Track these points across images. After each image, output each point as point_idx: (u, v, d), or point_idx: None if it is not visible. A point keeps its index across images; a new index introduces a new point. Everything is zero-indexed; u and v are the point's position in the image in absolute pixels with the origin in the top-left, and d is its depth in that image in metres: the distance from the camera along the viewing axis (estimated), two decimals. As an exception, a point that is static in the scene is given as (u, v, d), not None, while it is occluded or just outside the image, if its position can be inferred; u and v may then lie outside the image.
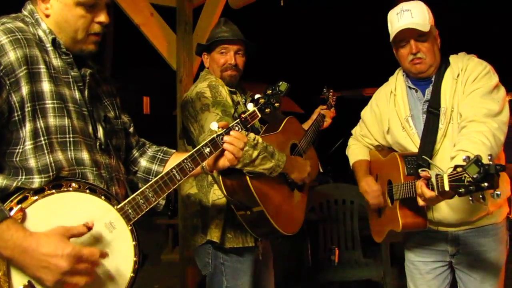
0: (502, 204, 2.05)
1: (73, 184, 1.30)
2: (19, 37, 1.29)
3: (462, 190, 1.40)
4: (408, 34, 1.97)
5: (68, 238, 1.21)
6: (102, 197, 1.34)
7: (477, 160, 1.37)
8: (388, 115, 2.15)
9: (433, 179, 1.53)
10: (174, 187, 1.48)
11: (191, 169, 1.51)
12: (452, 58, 2.05)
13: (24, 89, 1.27)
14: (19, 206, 1.21)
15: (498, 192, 1.38)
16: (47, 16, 1.38)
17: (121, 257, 1.34)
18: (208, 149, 1.55)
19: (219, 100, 2.12)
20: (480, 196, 1.40)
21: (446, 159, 1.84)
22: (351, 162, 2.38)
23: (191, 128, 2.18)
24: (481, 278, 2.03)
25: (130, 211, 1.37)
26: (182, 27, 3.51)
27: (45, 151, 1.29)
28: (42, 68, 1.32)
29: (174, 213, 5.45)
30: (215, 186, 2.12)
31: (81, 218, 1.28)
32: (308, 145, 2.49)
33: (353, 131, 2.46)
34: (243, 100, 2.31)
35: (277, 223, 2.06)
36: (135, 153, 1.73)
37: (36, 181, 1.26)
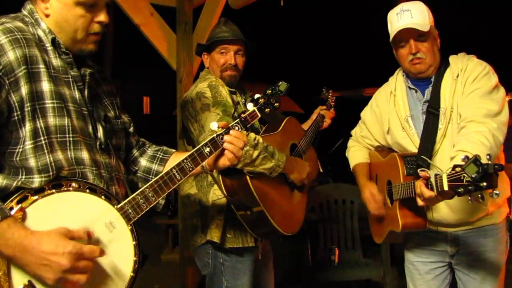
0: (502, 205, 2.05)
1: (73, 184, 1.30)
2: (18, 37, 1.29)
3: (461, 189, 1.40)
4: (408, 34, 1.97)
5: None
6: (102, 196, 1.34)
7: (476, 160, 1.37)
8: (388, 115, 2.15)
9: (432, 179, 1.53)
10: (174, 186, 1.48)
11: (191, 169, 1.51)
12: (452, 59, 2.05)
13: (24, 89, 1.27)
14: (19, 205, 1.21)
15: (497, 192, 1.38)
16: (47, 15, 1.38)
17: (121, 256, 1.34)
18: (208, 149, 1.55)
19: (219, 100, 2.12)
20: (479, 195, 1.40)
21: (446, 159, 1.84)
22: (352, 165, 2.37)
23: (191, 128, 2.18)
24: (480, 279, 2.03)
25: (130, 210, 1.37)
26: (182, 27, 3.51)
27: (45, 151, 1.29)
28: (42, 67, 1.32)
29: (174, 213, 5.45)
30: (215, 186, 2.12)
31: (81, 217, 1.29)
32: (308, 145, 2.49)
33: (352, 132, 2.45)
34: (243, 100, 2.31)
35: (277, 223, 2.06)
36: (135, 152, 1.73)
37: (36, 180, 1.26)
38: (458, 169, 1.42)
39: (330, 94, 2.79)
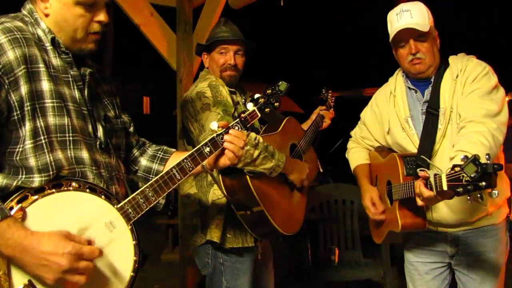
0: (502, 205, 2.05)
1: (73, 184, 1.30)
2: (18, 36, 1.29)
3: (460, 189, 1.41)
4: (408, 34, 1.97)
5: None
6: (102, 196, 1.34)
7: (475, 160, 1.37)
8: (388, 115, 2.15)
9: (432, 179, 1.53)
10: (174, 186, 1.48)
11: (191, 169, 1.51)
12: (451, 59, 2.05)
13: (23, 88, 1.27)
14: (19, 205, 1.21)
15: (496, 191, 1.38)
16: (46, 15, 1.38)
17: (121, 256, 1.34)
18: (208, 149, 1.55)
19: (220, 100, 2.12)
20: (478, 195, 1.40)
21: (445, 159, 1.84)
22: (352, 166, 2.37)
23: (191, 127, 2.18)
24: (480, 279, 2.03)
25: (130, 210, 1.37)
26: (182, 27, 3.51)
27: (45, 150, 1.29)
28: (42, 67, 1.32)
29: (174, 213, 5.46)
30: (215, 186, 2.12)
31: (81, 217, 1.29)
32: (308, 145, 2.49)
33: (352, 133, 2.45)
34: (243, 100, 2.31)
35: (277, 223, 2.06)
36: (135, 152, 1.74)
37: (36, 180, 1.26)
38: (457, 168, 1.42)
39: (330, 94, 2.79)
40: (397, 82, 2.16)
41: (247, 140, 1.68)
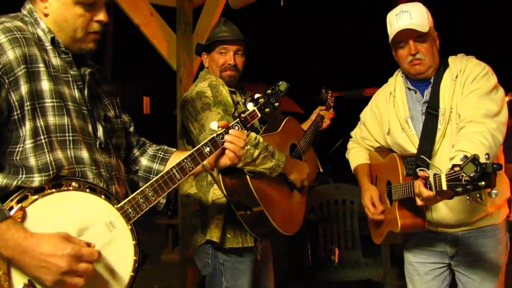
0: (502, 205, 2.05)
1: (73, 183, 1.30)
2: (17, 36, 1.29)
3: (459, 189, 1.41)
4: (407, 35, 1.97)
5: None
6: (102, 196, 1.34)
7: (474, 159, 1.37)
8: (388, 116, 2.15)
9: (431, 179, 1.53)
10: (174, 186, 1.48)
11: (191, 169, 1.52)
12: (451, 59, 2.05)
13: (23, 88, 1.27)
14: (19, 205, 1.21)
15: (495, 191, 1.38)
16: (46, 15, 1.38)
17: (121, 256, 1.34)
18: (208, 149, 1.55)
19: (220, 100, 2.12)
20: (478, 195, 1.40)
21: (445, 159, 1.84)
22: (353, 166, 2.37)
23: (191, 127, 2.18)
24: (480, 279, 2.03)
25: (130, 210, 1.37)
26: (182, 27, 3.51)
27: (45, 150, 1.29)
28: (41, 67, 1.32)
29: (174, 213, 5.46)
30: (215, 185, 2.12)
31: (81, 217, 1.29)
32: (308, 145, 2.49)
33: (352, 134, 2.45)
34: (243, 100, 2.31)
35: (277, 223, 2.06)
36: (136, 152, 1.74)
37: (36, 180, 1.26)
38: (456, 168, 1.42)
39: (329, 94, 2.79)
40: (396, 82, 2.16)
41: (247, 140, 1.68)
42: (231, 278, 2.17)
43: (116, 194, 1.44)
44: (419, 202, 1.66)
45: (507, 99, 1.97)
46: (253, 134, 1.95)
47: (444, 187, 1.46)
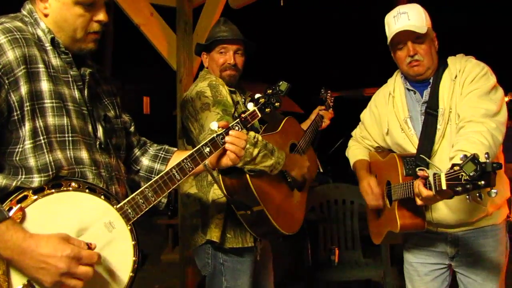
0: (501, 205, 2.05)
1: (73, 184, 1.30)
2: (17, 36, 1.29)
3: (459, 188, 1.41)
4: (405, 37, 1.97)
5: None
6: (102, 196, 1.34)
7: (474, 158, 1.37)
8: (387, 116, 2.16)
9: (431, 178, 1.53)
10: (174, 186, 1.48)
11: (191, 169, 1.51)
12: (450, 60, 2.05)
13: (23, 89, 1.27)
14: (19, 205, 1.21)
15: (495, 190, 1.38)
16: (46, 15, 1.38)
17: (120, 256, 1.34)
18: (208, 149, 1.55)
19: (219, 100, 2.12)
20: (477, 194, 1.40)
21: (445, 159, 1.84)
22: (352, 162, 2.37)
23: (190, 127, 2.18)
24: (481, 280, 2.03)
25: (129, 210, 1.37)
26: (182, 27, 3.51)
27: (45, 150, 1.29)
28: (41, 67, 1.32)
29: (174, 213, 5.46)
30: (215, 185, 2.12)
31: (81, 217, 1.29)
32: (307, 145, 2.49)
33: (353, 133, 2.46)
34: (243, 100, 2.31)
35: (278, 223, 2.07)
36: (137, 152, 1.74)
37: (36, 180, 1.26)
38: (456, 168, 1.42)
39: (329, 94, 2.79)
40: (396, 83, 2.17)
41: (247, 140, 1.68)
42: (231, 278, 2.17)
43: (116, 194, 1.44)
44: (418, 202, 1.66)
45: (506, 99, 1.97)
46: (252, 133, 1.95)
47: (444, 187, 1.46)
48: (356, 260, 3.69)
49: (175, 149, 1.76)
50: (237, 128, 1.63)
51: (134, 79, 12.74)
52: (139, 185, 1.67)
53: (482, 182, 1.36)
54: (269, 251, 2.45)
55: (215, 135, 1.58)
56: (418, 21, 1.96)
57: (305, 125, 2.63)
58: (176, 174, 1.48)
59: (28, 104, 1.28)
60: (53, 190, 1.26)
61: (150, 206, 1.42)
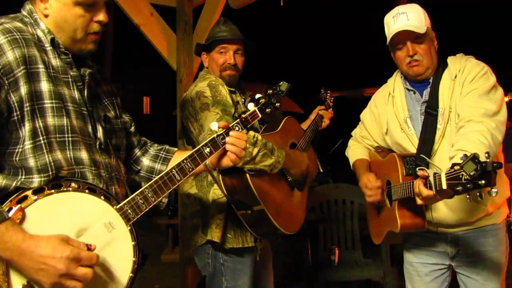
0: (502, 205, 2.05)
1: (73, 184, 1.30)
2: (17, 37, 1.29)
3: (459, 188, 1.40)
4: (405, 37, 1.97)
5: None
6: (102, 197, 1.34)
7: (474, 158, 1.37)
8: (387, 116, 2.16)
9: (431, 178, 1.53)
10: (174, 187, 1.48)
11: (191, 169, 1.51)
12: (450, 60, 2.05)
13: (23, 89, 1.27)
14: (19, 205, 1.21)
15: (495, 190, 1.38)
16: (46, 16, 1.38)
17: (120, 257, 1.34)
18: (208, 149, 1.55)
19: (219, 100, 2.12)
20: (478, 194, 1.40)
21: (445, 159, 1.84)
22: (351, 161, 2.37)
23: (190, 127, 2.18)
24: (483, 280, 2.02)
25: (129, 211, 1.37)
26: (182, 27, 3.51)
27: (44, 151, 1.29)
28: (41, 67, 1.32)
29: (174, 213, 5.46)
30: (215, 185, 2.12)
31: (80, 218, 1.29)
32: (307, 145, 2.49)
33: (353, 133, 2.46)
34: (242, 100, 2.31)
35: (278, 222, 2.06)
36: (137, 152, 1.74)
37: (36, 180, 1.26)
38: (456, 167, 1.42)
39: (328, 94, 2.79)
40: (395, 83, 2.17)
41: (248, 141, 1.68)
42: (231, 278, 2.16)
43: (116, 194, 1.44)
44: (419, 201, 1.66)
45: (506, 99, 1.97)
46: (251, 133, 1.95)
47: (444, 186, 1.46)
48: (356, 260, 3.69)
49: (176, 149, 1.76)
50: (237, 128, 1.63)
51: (134, 79, 12.74)
52: (139, 185, 1.67)
53: (483, 182, 1.36)
54: (269, 251, 2.45)
55: (215, 135, 1.58)
56: (417, 21, 1.96)
57: (305, 125, 2.63)
58: (176, 174, 1.48)
59: (28, 104, 1.28)
60: (53, 191, 1.26)
61: (150, 207, 1.42)
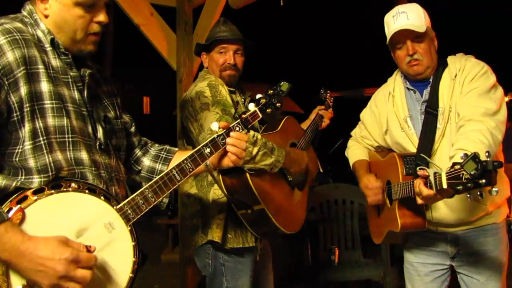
0: (502, 204, 2.05)
1: (73, 184, 1.30)
2: (17, 37, 1.29)
3: (460, 187, 1.40)
4: (404, 36, 1.97)
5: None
6: (102, 197, 1.34)
7: (475, 157, 1.37)
8: (387, 115, 2.16)
9: (431, 177, 1.53)
10: (174, 187, 1.48)
11: (191, 170, 1.51)
12: (450, 59, 2.05)
13: (23, 90, 1.27)
14: (19, 206, 1.21)
15: (496, 189, 1.38)
16: (46, 16, 1.38)
17: (120, 257, 1.34)
18: (208, 150, 1.55)
19: (219, 100, 2.12)
20: (478, 193, 1.40)
21: (445, 158, 1.84)
22: (351, 162, 2.37)
23: (190, 127, 2.18)
24: (484, 279, 2.02)
25: (129, 211, 1.37)
26: (182, 27, 3.51)
27: (44, 151, 1.29)
28: (41, 68, 1.32)
29: (174, 213, 5.46)
30: (215, 185, 2.12)
31: (80, 218, 1.29)
32: (307, 144, 2.49)
33: (352, 133, 2.46)
34: (242, 100, 2.31)
35: (278, 222, 2.06)
36: (138, 152, 1.74)
37: (36, 181, 1.26)
38: (457, 166, 1.42)
39: (328, 94, 2.79)
40: (395, 82, 2.17)
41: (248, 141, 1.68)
42: (232, 278, 2.16)
43: (116, 195, 1.44)
44: (419, 201, 1.66)
45: (506, 99, 1.97)
46: (251, 132, 1.95)
47: (445, 186, 1.46)
48: (356, 260, 3.69)
49: (177, 149, 1.76)
50: (238, 128, 1.62)
51: (134, 79, 12.74)
52: (140, 185, 1.66)
53: (483, 181, 1.36)
54: (269, 251, 2.45)
55: (215, 135, 1.57)
56: (417, 20, 1.96)
57: (304, 125, 2.63)
58: (176, 174, 1.48)
59: (27, 105, 1.28)
60: (53, 191, 1.26)
61: (150, 207, 1.42)
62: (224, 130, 1.59)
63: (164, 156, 1.72)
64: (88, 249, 1.24)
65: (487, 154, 1.40)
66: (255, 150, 1.93)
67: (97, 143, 1.44)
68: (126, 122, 1.68)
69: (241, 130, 1.63)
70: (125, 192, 1.50)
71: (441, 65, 2.04)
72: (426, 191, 1.57)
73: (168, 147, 1.76)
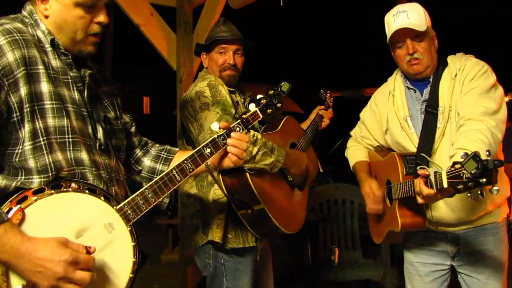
0: (502, 204, 2.05)
1: (73, 185, 1.30)
2: (17, 38, 1.29)
3: (460, 186, 1.40)
4: (405, 35, 1.98)
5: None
6: (102, 197, 1.34)
7: (475, 156, 1.37)
8: (387, 115, 2.16)
9: (432, 177, 1.53)
10: (174, 187, 1.48)
11: (191, 170, 1.51)
12: (450, 59, 2.05)
13: (23, 90, 1.27)
14: (19, 206, 1.21)
15: (496, 188, 1.37)
16: (46, 16, 1.38)
17: (120, 257, 1.34)
18: (208, 150, 1.55)
19: (218, 99, 2.12)
20: (479, 192, 1.40)
21: (445, 158, 1.85)
22: (352, 163, 2.37)
23: (190, 127, 2.18)
24: (485, 279, 2.02)
25: (129, 211, 1.37)
26: (182, 27, 3.51)
27: (44, 152, 1.29)
28: (41, 68, 1.32)
29: (174, 213, 5.46)
30: (215, 185, 2.12)
31: (80, 218, 1.29)
32: (307, 144, 2.49)
33: (352, 133, 2.46)
34: (242, 100, 2.31)
35: (279, 221, 2.06)
36: (138, 152, 1.73)
37: (36, 181, 1.26)
38: (457, 165, 1.42)
39: (328, 94, 2.79)
40: (396, 82, 2.17)
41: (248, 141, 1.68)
42: (232, 278, 2.16)
43: (116, 195, 1.44)
44: (419, 200, 1.66)
45: (506, 99, 1.97)
46: (251, 132, 1.95)
47: (445, 185, 1.46)
48: (356, 260, 3.69)
49: (177, 149, 1.76)
50: (238, 129, 1.62)
51: (134, 79, 12.75)
52: (141, 185, 1.66)
53: (484, 180, 1.36)
54: (269, 251, 2.45)
55: (216, 136, 1.57)
56: (417, 20, 1.96)
57: (304, 125, 2.62)
58: (176, 175, 1.48)
59: (27, 105, 1.28)
60: (53, 191, 1.26)
61: (150, 207, 1.41)
62: (225, 131, 1.58)
63: (164, 156, 1.72)
64: (88, 250, 1.24)
65: (487, 153, 1.40)
66: (255, 149, 1.93)
67: (97, 144, 1.44)
68: (126, 122, 1.68)
69: (241, 131, 1.62)
70: (125, 193, 1.50)
71: (441, 65, 2.04)
72: (426, 191, 1.57)
73: (168, 147, 1.76)
